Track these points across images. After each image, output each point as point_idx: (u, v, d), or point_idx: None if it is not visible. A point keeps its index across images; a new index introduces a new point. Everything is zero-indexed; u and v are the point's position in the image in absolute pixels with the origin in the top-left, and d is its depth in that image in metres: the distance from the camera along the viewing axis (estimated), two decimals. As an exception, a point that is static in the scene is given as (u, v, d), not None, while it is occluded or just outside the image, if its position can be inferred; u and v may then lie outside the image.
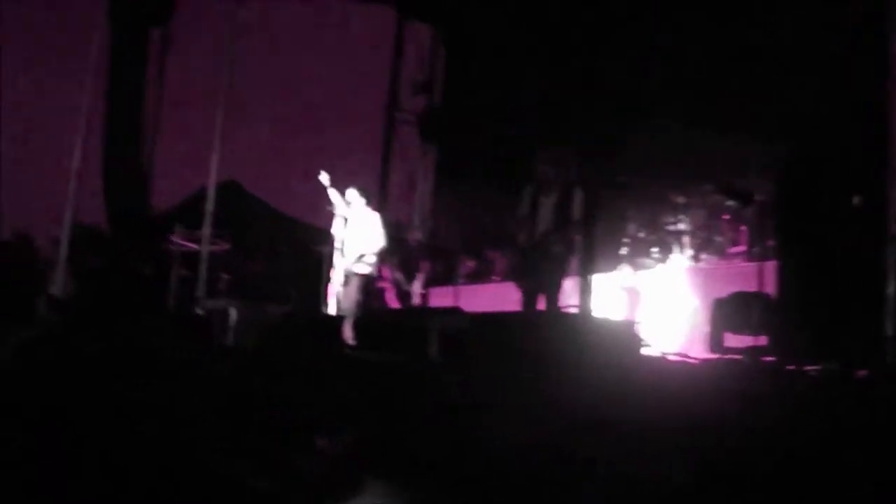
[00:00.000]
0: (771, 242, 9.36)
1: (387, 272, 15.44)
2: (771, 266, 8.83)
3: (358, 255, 12.10)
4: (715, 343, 9.20)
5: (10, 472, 5.10)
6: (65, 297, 15.00)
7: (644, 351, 8.27)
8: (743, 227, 12.19)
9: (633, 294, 12.85)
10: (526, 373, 6.72)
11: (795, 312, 8.46)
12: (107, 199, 15.69)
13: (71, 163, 15.83)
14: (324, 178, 12.63)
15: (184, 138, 18.59)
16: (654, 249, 13.39)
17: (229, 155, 16.69)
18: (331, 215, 12.67)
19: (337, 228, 12.58)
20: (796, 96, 11.31)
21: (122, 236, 15.64)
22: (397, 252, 15.75)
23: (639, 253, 13.55)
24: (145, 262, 15.58)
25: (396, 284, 15.62)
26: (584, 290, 11.41)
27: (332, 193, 12.57)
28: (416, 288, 15.39)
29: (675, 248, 13.05)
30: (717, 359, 8.66)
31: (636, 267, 13.30)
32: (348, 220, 12.42)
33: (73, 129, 15.94)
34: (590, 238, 10.91)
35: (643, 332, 8.50)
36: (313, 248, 14.53)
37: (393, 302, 15.65)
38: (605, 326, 8.85)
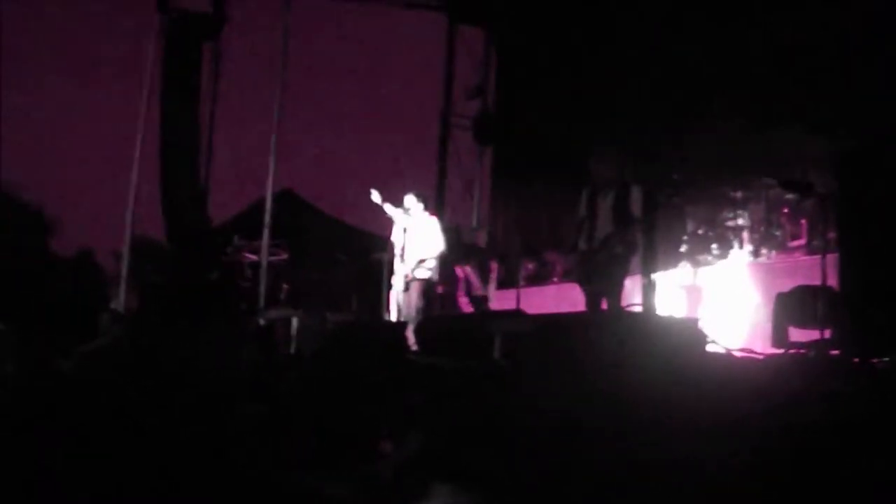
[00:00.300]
0: (832, 234, 9.20)
1: (461, 275, 15.57)
2: (832, 259, 8.71)
3: (418, 260, 12.22)
4: (779, 338, 9.05)
5: (75, 480, 5.15)
6: (127, 311, 15.23)
7: (709, 348, 8.12)
8: (803, 221, 12.05)
9: (694, 291, 12.76)
10: (592, 374, 6.54)
11: (860, 305, 8.34)
12: (165, 214, 15.83)
13: (130, 178, 16.30)
14: (375, 196, 12.71)
15: (239, 150, 18.75)
16: (714, 246, 13.27)
17: (285, 165, 17.31)
18: (389, 222, 12.71)
19: (396, 235, 12.55)
20: (856, 87, 11.26)
21: (181, 250, 15.73)
22: (473, 255, 16.05)
23: (698, 250, 13.45)
24: (210, 272, 15.79)
25: (470, 288, 15.65)
26: (648, 289, 11.21)
27: (388, 208, 12.63)
28: (491, 291, 15.40)
29: (735, 244, 12.94)
30: (783, 353, 8.51)
31: (696, 264, 13.21)
32: (407, 227, 12.44)
33: (130, 145, 16.41)
34: (651, 237, 10.77)
35: (707, 328, 8.36)
36: (372, 255, 14.36)
37: (465, 306, 15.66)
38: (669, 324, 8.69)
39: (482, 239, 17.04)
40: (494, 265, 16.12)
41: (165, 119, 16.03)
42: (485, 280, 15.80)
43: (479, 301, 15.50)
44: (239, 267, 16.52)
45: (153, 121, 16.19)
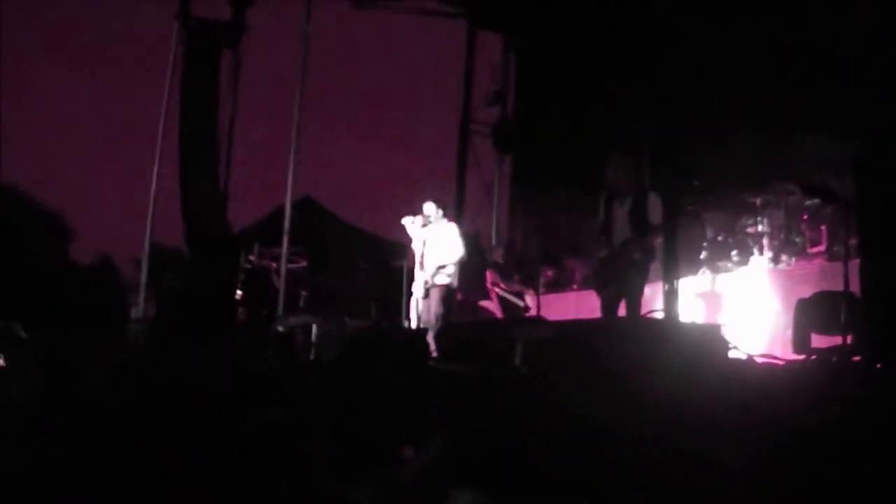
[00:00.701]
0: (853, 241, 9.14)
1: (494, 280, 15.49)
2: (854, 265, 8.65)
3: (437, 266, 12.20)
4: (800, 343, 9.04)
5: (100, 487, 5.15)
6: (146, 318, 15.45)
7: (731, 353, 8.17)
8: (822, 227, 12.02)
9: (714, 298, 12.74)
10: (614, 380, 6.64)
11: (882, 310, 8.29)
12: (185, 220, 15.87)
13: (149, 185, 16.49)
14: (407, 222, 12.53)
15: (259, 157, 18.77)
16: (734, 252, 13.23)
17: (305, 172, 17.15)
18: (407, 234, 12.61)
19: (415, 242, 12.52)
20: (879, 93, 11.17)
21: (201, 256, 15.80)
22: (511, 261, 16.04)
23: (718, 256, 13.43)
24: (235, 279, 15.82)
25: (506, 294, 15.48)
26: (670, 296, 11.39)
27: (407, 223, 12.51)
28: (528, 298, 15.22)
29: (755, 251, 12.88)
30: (805, 359, 8.55)
31: (716, 270, 13.18)
32: (427, 234, 12.44)
33: (149, 153, 16.61)
34: (672, 243, 10.94)
35: (729, 335, 8.37)
36: (391, 262, 14.34)
37: (497, 312, 15.56)
38: (691, 330, 8.85)
39: (499, 255, 16.60)
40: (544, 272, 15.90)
41: (185, 126, 16.07)
42: (528, 283, 15.51)
43: (511, 307, 15.33)
44: (266, 273, 16.53)
45: (172, 128, 16.28)
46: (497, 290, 15.52)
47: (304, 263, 17.03)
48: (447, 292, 12.36)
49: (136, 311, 15.90)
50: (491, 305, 15.76)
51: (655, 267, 10.75)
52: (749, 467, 4.83)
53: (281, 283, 16.27)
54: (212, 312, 14.84)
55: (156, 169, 16.47)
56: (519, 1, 19.22)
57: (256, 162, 17.98)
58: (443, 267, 12.26)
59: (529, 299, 15.03)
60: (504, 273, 15.71)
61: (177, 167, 16.03)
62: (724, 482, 4.80)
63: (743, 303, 12.25)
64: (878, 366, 7.61)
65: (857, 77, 11.82)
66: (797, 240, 12.55)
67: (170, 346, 13.10)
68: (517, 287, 15.48)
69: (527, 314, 14.85)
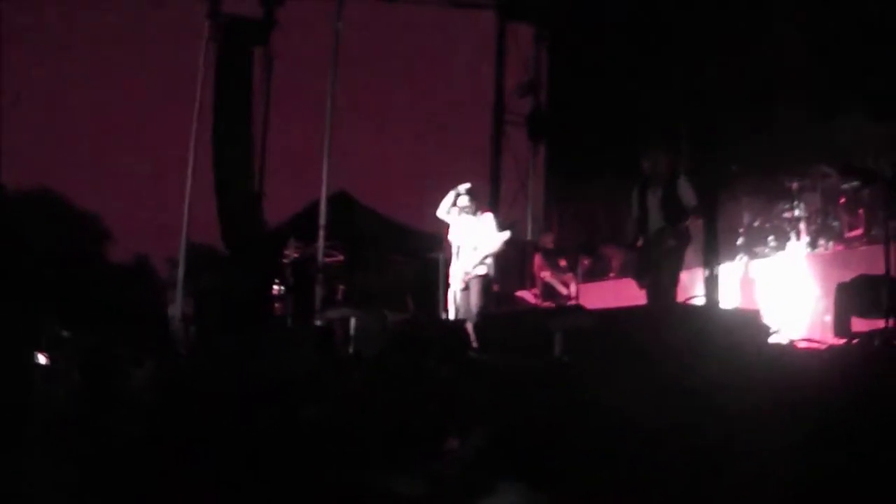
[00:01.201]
0: (894, 223, 9.09)
1: (540, 265, 15.47)
2: (894, 248, 8.66)
3: (475, 257, 12.10)
4: (841, 327, 8.91)
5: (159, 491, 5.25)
6: (184, 318, 15.43)
7: (772, 339, 8.17)
8: (860, 211, 11.95)
9: (751, 284, 12.66)
10: (655, 367, 6.66)
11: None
12: (221, 219, 15.88)
13: (184, 184, 16.35)
14: (443, 214, 12.52)
15: (293, 152, 18.88)
16: (771, 238, 13.14)
17: (339, 166, 17.07)
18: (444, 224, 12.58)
19: (452, 233, 12.48)
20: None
21: (237, 255, 15.87)
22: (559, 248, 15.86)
23: (755, 242, 13.33)
24: (272, 275, 16.00)
25: (552, 280, 15.38)
26: (710, 282, 11.47)
27: (442, 213, 12.50)
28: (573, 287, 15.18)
29: (792, 235, 12.79)
30: (846, 343, 8.43)
31: (753, 256, 13.10)
32: (463, 225, 12.38)
33: (183, 151, 16.48)
34: (712, 229, 11.14)
35: (769, 320, 8.42)
36: (427, 254, 14.44)
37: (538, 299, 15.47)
38: (731, 316, 8.86)
39: (549, 241, 16.46)
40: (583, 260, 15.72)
41: (218, 124, 16.08)
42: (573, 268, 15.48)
43: (556, 296, 15.22)
44: (313, 267, 16.47)
45: (206, 126, 16.25)
46: (543, 274, 15.44)
47: (340, 258, 17.16)
48: (485, 283, 12.22)
49: (174, 309, 15.80)
50: (528, 295, 15.71)
51: (693, 253, 10.82)
52: (792, 451, 4.88)
53: (319, 278, 16.17)
54: (249, 309, 14.86)
55: (190, 168, 16.35)
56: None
57: (291, 157, 18.13)
58: (480, 257, 12.13)
59: (573, 287, 14.97)
60: (551, 259, 15.61)
61: (211, 166, 16.03)
62: (767, 467, 4.85)
63: (781, 288, 12.15)
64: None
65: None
66: (834, 224, 12.44)
67: (210, 344, 13.15)
68: (562, 274, 15.38)
69: (568, 302, 14.65)
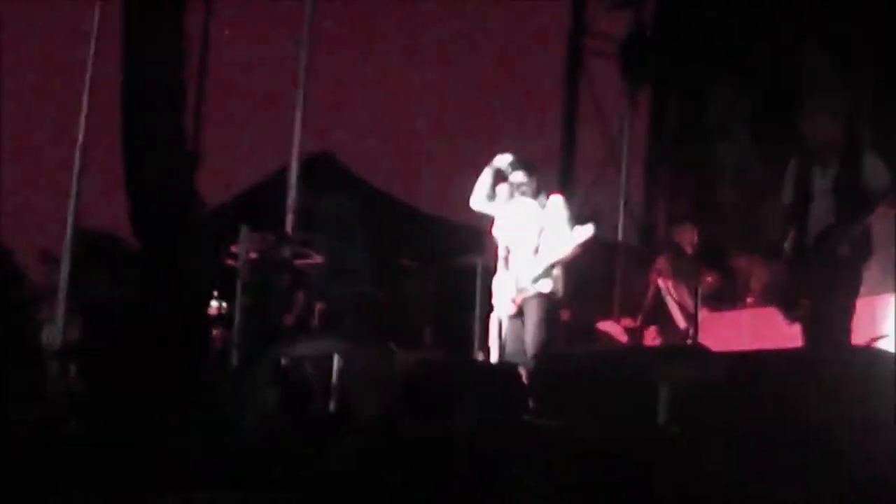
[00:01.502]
0: None
1: (663, 270, 13.01)
2: None
3: (534, 266, 9.78)
4: None
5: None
6: (65, 345, 12.48)
7: None
8: None
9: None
10: (820, 447, 5.24)
11: None
12: (130, 195, 11.38)
13: (71, 148, 13.16)
14: (482, 198, 10.20)
15: (249, 89, 15.32)
16: None
17: (321, 114, 14.52)
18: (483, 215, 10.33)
19: (497, 228, 10.06)
20: None
21: (155, 249, 11.58)
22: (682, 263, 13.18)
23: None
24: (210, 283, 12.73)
25: (671, 298, 12.88)
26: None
27: (494, 211, 10.18)
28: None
29: None
30: None
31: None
32: (516, 215, 10.01)
33: (73, 97, 13.25)
34: None
35: None
36: (457, 259, 11.84)
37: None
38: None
39: (687, 238, 13.10)
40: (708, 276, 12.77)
41: (131, 59, 11.47)
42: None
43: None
44: (276, 272, 12.81)
45: (110, 44, 12.24)
46: (665, 286, 12.93)
47: (318, 259, 13.01)
48: (550, 306, 9.81)
49: (50, 334, 12.47)
50: (616, 328, 13.34)
51: (878, 268, 9.22)
52: None
53: (285, 289, 12.67)
54: (170, 338, 10.85)
55: (84, 113, 12.85)
56: None
57: (244, 99, 14.63)
58: (544, 267, 9.66)
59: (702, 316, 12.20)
60: (685, 268, 12.91)
61: (118, 109, 11.45)
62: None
63: None
64: None
65: None
66: None
67: (109, 394, 10.03)
68: (690, 295, 12.55)
69: (685, 341, 12.38)
